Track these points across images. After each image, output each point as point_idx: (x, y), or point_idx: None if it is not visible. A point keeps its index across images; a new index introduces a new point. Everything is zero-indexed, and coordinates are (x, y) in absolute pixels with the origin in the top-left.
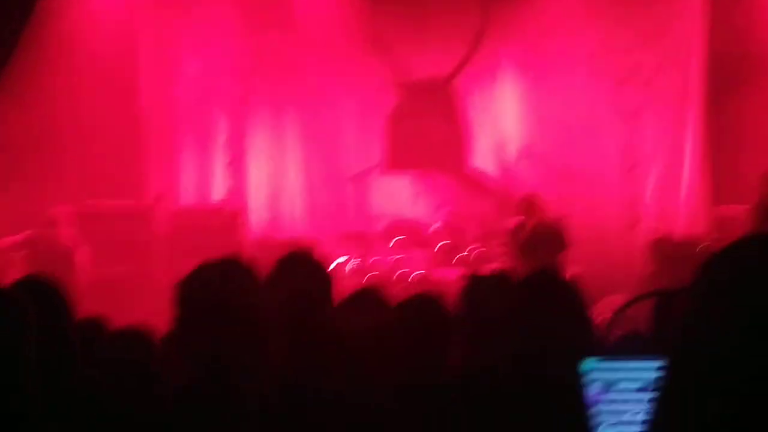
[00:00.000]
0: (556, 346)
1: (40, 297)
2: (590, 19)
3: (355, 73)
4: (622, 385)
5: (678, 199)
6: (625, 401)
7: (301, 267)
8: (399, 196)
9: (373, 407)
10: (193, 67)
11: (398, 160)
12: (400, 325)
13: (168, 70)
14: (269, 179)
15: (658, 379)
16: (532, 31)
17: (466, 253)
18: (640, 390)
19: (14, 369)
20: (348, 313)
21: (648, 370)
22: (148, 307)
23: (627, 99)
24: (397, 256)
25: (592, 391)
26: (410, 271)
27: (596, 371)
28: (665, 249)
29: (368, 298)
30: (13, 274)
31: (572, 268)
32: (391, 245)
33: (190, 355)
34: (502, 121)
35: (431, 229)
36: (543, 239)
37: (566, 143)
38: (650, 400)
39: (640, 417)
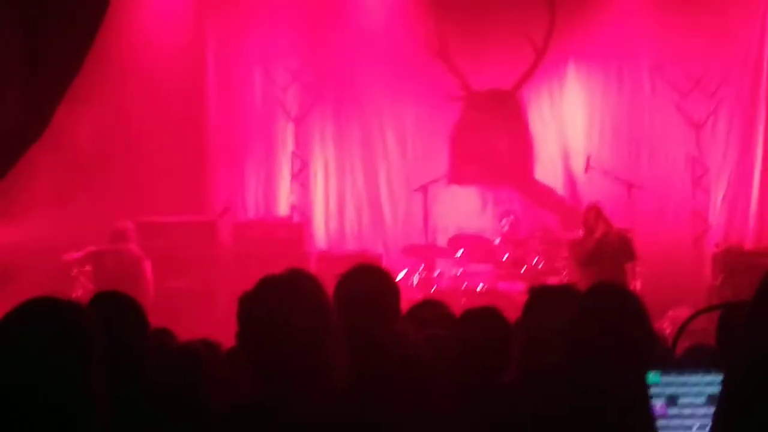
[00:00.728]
0: (621, 357)
1: (115, 310)
2: (656, 30)
3: (420, 84)
4: (688, 399)
5: (746, 210)
6: (691, 415)
7: (370, 278)
8: (464, 208)
9: (434, 413)
10: (259, 78)
11: (463, 171)
12: (462, 337)
13: (235, 81)
14: (334, 191)
15: (720, 388)
16: (599, 43)
17: (530, 266)
18: (705, 404)
19: (81, 376)
20: (412, 324)
21: (714, 384)
22: (214, 320)
23: (693, 109)
24: (462, 269)
25: (657, 404)
26: (475, 283)
27: (661, 385)
28: (732, 260)
29: (432, 310)
30: (79, 288)
31: (638, 280)
32: (456, 257)
33: (251, 373)
34: (567, 132)
35: (496, 241)
36: (608, 251)
37: (632, 154)
38: (714, 411)
39: (707, 431)
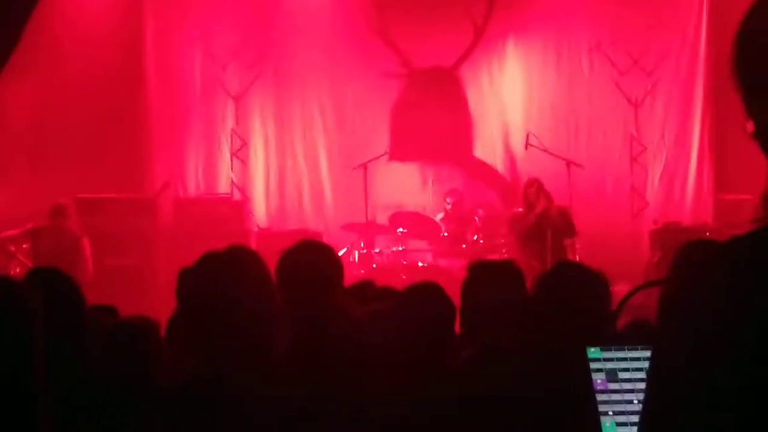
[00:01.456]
0: (574, 334)
1: (51, 286)
2: (596, 8)
3: (360, 62)
4: (627, 374)
5: (683, 187)
6: (631, 390)
7: (313, 253)
8: (404, 186)
9: (377, 392)
10: (199, 55)
11: (404, 149)
12: (403, 313)
13: (174, 58)
14: (275, 169)
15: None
16: (539, 19)
17: (471, 242)
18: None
19: (22, 353)
20: (352, 301)
21: None
22: (154, 298)
23: (632, 87)
24: (402, 246)
25: (598, 379)
26: (415, 260)
27: (602, 360)
28: (669, 237)
29: (371, 287)
30: (17, 265)
31: (577, 256)
32: (397, 234)
33: (191, 348)
34: (507, 110)
35: (437, 218)
36: (549, 226)
37: (571, 131)
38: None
39: None
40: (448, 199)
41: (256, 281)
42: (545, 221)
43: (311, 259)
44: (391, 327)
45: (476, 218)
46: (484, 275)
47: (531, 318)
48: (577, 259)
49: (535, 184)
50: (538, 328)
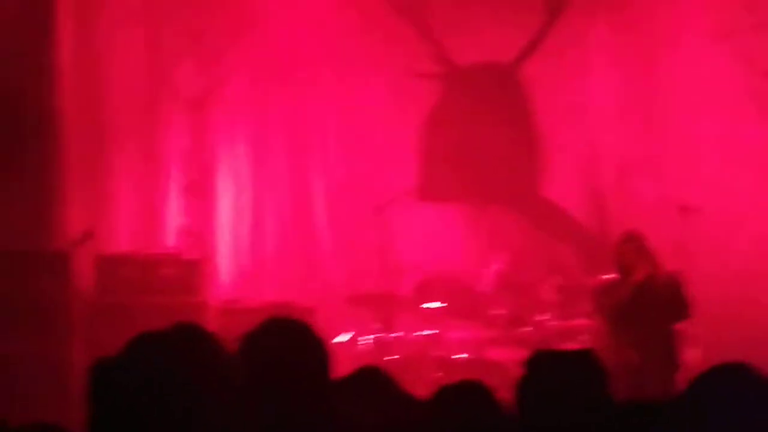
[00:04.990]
0: None
1: None
2: None
3: (377, 55)
4: None
5: None
6: None
7: (284, 339)
8: (439, 238)
9: None
10: (141, 47)
11: (439, 184)
12: (435, 426)
13: (103, 50)
14: (247, 212)
15: None
16: (638, 2)
17: (536, 325)
18: None
19: None
20: (349, 404)
21: None
22: (65, 399)
23: None
24: (436, 329)
25: None
26: (454, 349)
27: None
28: None
29: (374, 381)
30: None
31: (697, 348)
32: (427, 311)
33: None
34: (594, 128)
35: (485, 285)
36: (652, 303)
37: (690, 160)
38: None
39: None
40: (502, 261)
41: (211, 377)
42: (647, 294)
43: (280, 348)
44: None
45: (545, 288)
46: (550, 373)
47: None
48: (699, 354)
49: (635, 241)
50: None
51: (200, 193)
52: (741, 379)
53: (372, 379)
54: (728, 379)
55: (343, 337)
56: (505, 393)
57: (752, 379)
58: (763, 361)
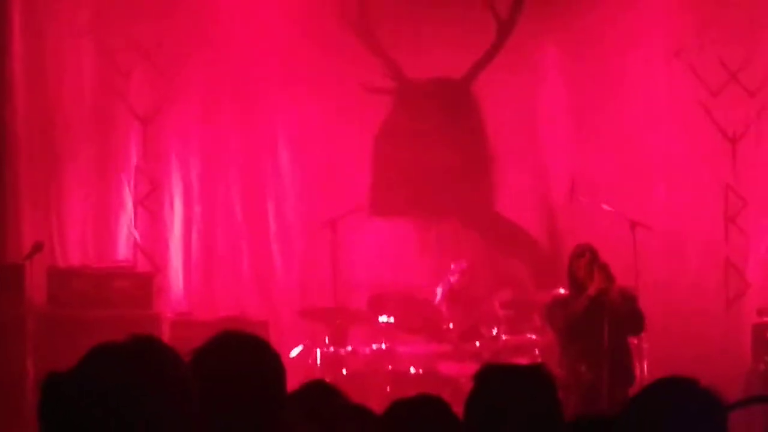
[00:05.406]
0: None
1: None
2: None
3: (329, 71)
4: None
5: None
6: None
7: (237, 354)
8: (391, 253)
9: None
10: (90, 56)
11: (392, 199)
12: None
13: (51, 59)
14: (200, 226)
15: None
16: (592, 14)
17: (488, 339)
18: None
19: None
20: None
21: None
22: (16, 419)
23: (728, 114)
24: (387, 343)
25: None
26: (406, 364)
27: None
28: None
29: (322, 395)
30: None
31: (644, 361)
32: (379, 325)
33: None
34: (545, 144)
35: (437, 299)
36: (606, 317)
37: (640, 177)
38: None
39: None
40: (454, 275)
41: (169, 391)
42: (602, 309)
43: (233, 363)
44: None
45: (497, 303)
46: (500, 387)
47: None
48: (645, 367)
49: (587, 254)
50: None
51: (152, 207)
52: (684, 392)
53: (320, 393)
54: (671, 392)
55: (295, 351)
56: (457, 407)
57: (695, 393)
58: (707, 374)
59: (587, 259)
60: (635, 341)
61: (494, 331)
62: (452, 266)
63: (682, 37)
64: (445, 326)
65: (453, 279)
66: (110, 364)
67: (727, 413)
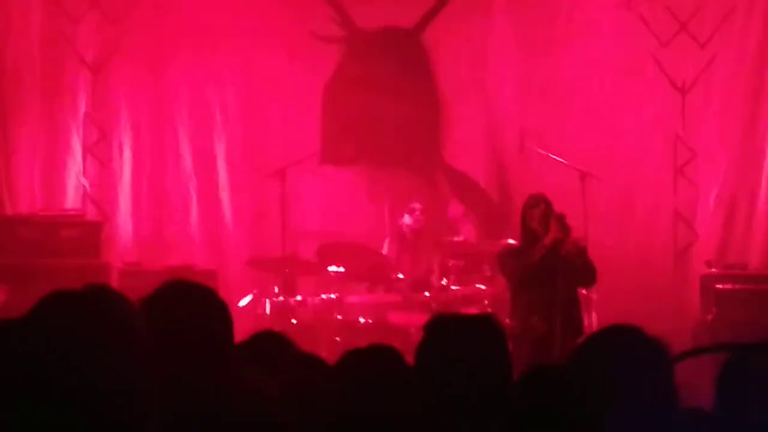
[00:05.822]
0: None
1: None
2: None
3: (278, 18)
4: None
5: (752, 213)
6: None
7: (185, 302)
8: (341, 203)
9: None
10: (38, 3)
11: (341, 148)
12: (339, 390)
13: None
14: (149, 174)
15: None
16: None
17: (437, 289)
18: None
19: None
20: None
21: None
22: None
23: (678, 64)
24: (337, 293)
25: None
26: (355, 314)
27: None
28: (730, 286)
29: (273, 345)
30: None
31: (593, 313)
32: (328, 274)
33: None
34: (495, 95)
35: (385, 249)
36: (561, 268)
37: (588, 129)
38: None
39: None
40: (406, 222)
41: (122, 339)
42: (556, 260)
43: (181, 310)
44: (318, 405)
45: (445, 252)
46: (449, 338)
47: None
48: (594, 319)
49: (542, 205)
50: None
51: (101, 155)
52: (631, 339)
53: (270, 343)
54: (618, 339)
55: (244, 301)
56: (407, 357)
57: (641, 341)
58: (655, 325)
59: (542, 209)
60: (584, 292)
61: (444, 281)
62: (403, 221)
63: None
64: (394, 276)
65: (407, 221)
66: (64, 312)
67: (674, 363)
